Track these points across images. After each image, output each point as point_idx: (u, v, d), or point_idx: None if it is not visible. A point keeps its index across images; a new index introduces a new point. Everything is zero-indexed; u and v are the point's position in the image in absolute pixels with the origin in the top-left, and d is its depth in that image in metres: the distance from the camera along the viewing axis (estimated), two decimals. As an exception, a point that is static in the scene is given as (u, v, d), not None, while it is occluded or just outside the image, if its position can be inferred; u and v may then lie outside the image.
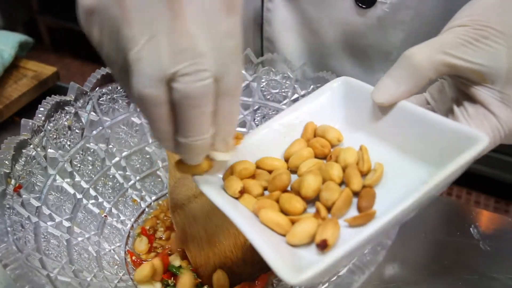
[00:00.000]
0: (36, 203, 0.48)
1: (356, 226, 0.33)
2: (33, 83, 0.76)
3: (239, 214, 0.34)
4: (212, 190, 0.36)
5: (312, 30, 0.62)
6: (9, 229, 0.41)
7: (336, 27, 0.59)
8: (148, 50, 0.27)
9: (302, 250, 0.33)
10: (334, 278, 0.39)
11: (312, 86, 0.57)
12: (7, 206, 0.43)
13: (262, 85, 0.61)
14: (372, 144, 0.38)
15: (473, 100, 0.38)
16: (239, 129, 0.63)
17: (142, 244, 0.55)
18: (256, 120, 0.63)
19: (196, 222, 0.52)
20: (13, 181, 0.46)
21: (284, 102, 0.60)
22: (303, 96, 0.59)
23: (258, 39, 0.70)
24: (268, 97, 0.61)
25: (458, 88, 0.39)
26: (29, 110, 0.77)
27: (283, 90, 0.60)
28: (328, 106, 0.42)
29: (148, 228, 0.56)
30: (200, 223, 0.52)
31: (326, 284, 0.41)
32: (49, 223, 0.48)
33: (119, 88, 0.58)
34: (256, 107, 0.62)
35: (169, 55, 0.27)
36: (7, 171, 0.45)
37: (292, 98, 0.60)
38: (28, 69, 0.80)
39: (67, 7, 2.37)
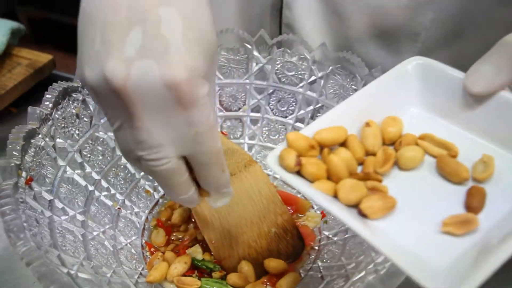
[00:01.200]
0: (48, 197, 0.45)
1: (451, 233, 0.30)
2: (28, 72, 0.72)
3: (344, 210, 0.30)
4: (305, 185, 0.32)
5: (336, 13, 0.60)
6: (25, 224, 0.38)
7: (363, 8, 0.57)
8: (118, 135, 0.32)
9: (420, 249, 0.29)
10: (388, 265, 0.37)
11: (331, 67, 0.55)
12: (20, 200, 0.40)
13: (276, 68, 0.58)
14: (463, 136, 0.35)
15: None
16: (253, 114, 0.61)
17: (159, 237, 0.52)
18: (271, 104, 0.60)
19: (217, 212, 0.49)
20: (24, 173, 0.43)
21: (301, 85, 0.58)
22: (321, 78, 0.56)
23: (275, 26, 0.67)
24: (283, 80, 0.59)
25: None
26: (25, 100, 0.73)
27: (299, 73, 0.58)
28: (402, 90, 0.38)
29: (164, 219, 0.54)
30: (221, 213, 0.49)
31: (374, 275, 0.38)
32: (63, 217, 0.45)
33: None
34: (271, 90, 0.60)
35: (133, 144, 0.31)
36: (18, 162, 0.42)
37: (309, 80, 0.57)
38: (22, 57, 0.75)
39: (48, -3, 2.30)
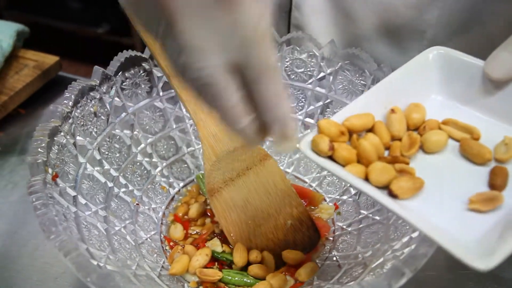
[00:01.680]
0: (72, 192, 0.46)
1: (477, 210, 0.31)
2: (36, 73, 0.73)
3: (376, 191, 0.32)
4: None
5: (345, 13, 0.61)
6: (56, 218, 0.39)
7: (371, 7, 0.58)
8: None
9: (449, 225, 0.31)
10: (406, 250, 0.39)
11: (340, 63, 0.56)
12: (49, 195, 0.41)
13: (286, 65, 0.60)
14: (484, 120, 0.37)
15: None
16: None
17: (177, 231, 0.53)
18: (280, 101, 0.61)
19: (235, 206, 0.50)
20: (50, 170, 0.43)
21: (310, 81, 0.59)
22: (329, 74, 0.58)
23: (284, 27, 0.68)
24: (293, 77, 0.60)
25: None
26: (32, 101, 0.74)
27: (308, 69, 0.59)
28: (424, 78, 0.40)
29: (181, 215, 0.55)
30: (239, 206, 0.50)
31: (393, 261, 0.40)
32: (87, 212, 0.46)
33: (141, 72, 0.55)
34: (280, 87, 0.61)
35: (177, 54, 0.29)
36: (44, 159, 0.43)
37: (318, 76, 0.59)
38: (28, 58, 0.76)
39: (35, 1, 2.29)
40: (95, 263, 0.39)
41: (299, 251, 0.50)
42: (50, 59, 0.76)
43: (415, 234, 0.42)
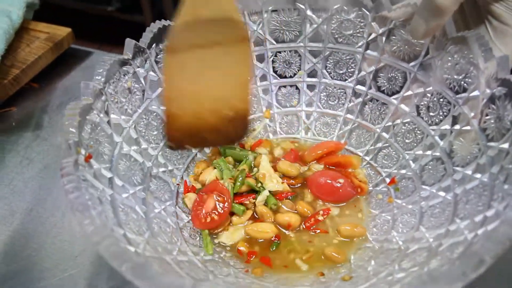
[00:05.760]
0: (108, 174, 0.43)
1: None
2: (48, 45, 0.70)
3: None
4: None
5: None
6: (89, 203, 0.36)
7: None
8: None
9: None
10: (485, 229, 0.33)
11: (393, 22, 0.50)
12: (82, 178, 0.38)
13: (332, 28, 0.54)
14: None
15: (495, 17, 0.42)
16: (309, 79, 0.57)
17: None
18: (328, 67, 0.56)
19: (187, 73, 0.43)
20: (82, 151, 0.41)
21: (360, 44, 0.54)
22: (381, 35, 0.52)
23: None
24: (341, 40, 0.55)
25: (480, 7, 0.43)
26: (45, 75, 0.71)
27: (357, 31, 0.54)
28: None
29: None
30: (191, 75, 0.44)
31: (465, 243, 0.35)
32: (124, 194, 0.43)
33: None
34: (327, 53, 0.56)
35: None
36: (76, 139, 0.40)
37: (369, 38, 0.53)
38: (39, 31, 0.73)
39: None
40: (132, 249, 0.37)
41: (221, 138, 0.44)
42: (62, 31, 0.72)
43: (490, 213, 0.36)
